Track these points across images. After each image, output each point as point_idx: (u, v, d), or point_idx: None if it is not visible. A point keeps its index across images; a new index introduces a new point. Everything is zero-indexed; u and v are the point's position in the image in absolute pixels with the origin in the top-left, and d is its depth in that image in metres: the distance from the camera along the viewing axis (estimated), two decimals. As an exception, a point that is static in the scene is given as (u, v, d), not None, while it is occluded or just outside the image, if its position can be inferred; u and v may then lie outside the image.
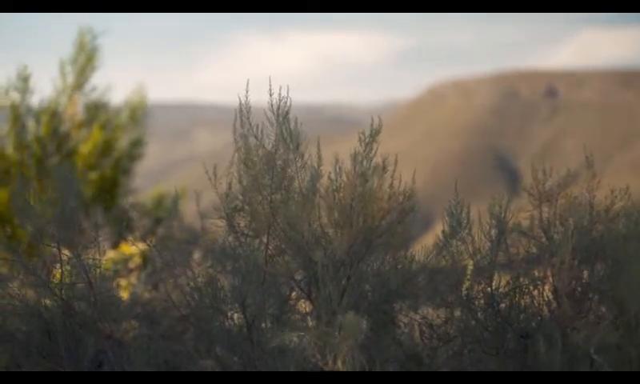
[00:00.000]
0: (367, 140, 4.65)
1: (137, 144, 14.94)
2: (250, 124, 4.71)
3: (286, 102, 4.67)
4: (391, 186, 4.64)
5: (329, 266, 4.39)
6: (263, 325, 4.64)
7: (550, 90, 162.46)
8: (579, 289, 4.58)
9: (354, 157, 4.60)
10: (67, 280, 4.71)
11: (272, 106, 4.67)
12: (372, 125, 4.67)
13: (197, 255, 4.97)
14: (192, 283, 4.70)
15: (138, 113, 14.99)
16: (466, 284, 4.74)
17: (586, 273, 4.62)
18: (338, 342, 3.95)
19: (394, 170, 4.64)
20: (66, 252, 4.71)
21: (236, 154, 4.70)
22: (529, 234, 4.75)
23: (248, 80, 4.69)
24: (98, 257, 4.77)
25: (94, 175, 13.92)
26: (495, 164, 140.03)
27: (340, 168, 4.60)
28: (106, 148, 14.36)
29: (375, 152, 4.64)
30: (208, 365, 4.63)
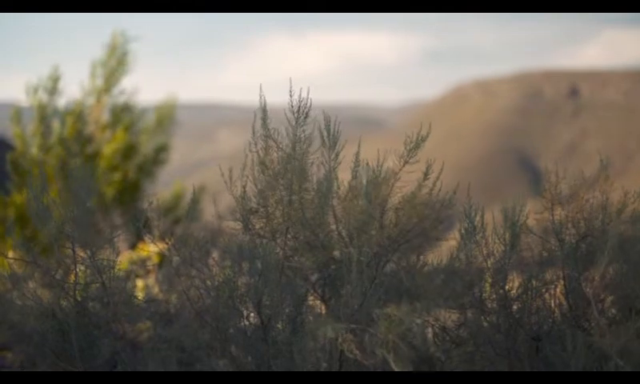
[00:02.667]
0: (412, 145, 4.69)
1: (162, 149, 14.97)
2: (268, 126, 4.73)
3: (306, 104, 4.69)
4: (430, 192, 4.68)
5: (355, 264, 4.40)
6: (279, 325, 4.67)
7: (573, 90, 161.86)
8: (591, 291, 4.58)
9: (398, 159, 4.65)
10: (82, 281, 4.75)
11: (292, 106, 4.69)
12: (420, 133, 4.71)
13: (215, 255, 5.00)
14: (208, 282, 4.72)
15: (166, 120, 15.03)
16: (485, 286, 4.75)
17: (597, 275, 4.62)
18: (383, 334, 3.95)
19: (438, 177, 4.68)
20: (81, 252, 4.75)
21: (252, 156, 4.72)
22: (542, 237, 4.75)
23: (261, 83, 4.70)
24: (112, 257, 4.80)
25: (116, 176, 13.95)
26: (519, 164, 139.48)
27: (381, 169, 4.63)
28: (130, 150, 14.39)
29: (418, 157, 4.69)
30: (222, 364, 4.65)
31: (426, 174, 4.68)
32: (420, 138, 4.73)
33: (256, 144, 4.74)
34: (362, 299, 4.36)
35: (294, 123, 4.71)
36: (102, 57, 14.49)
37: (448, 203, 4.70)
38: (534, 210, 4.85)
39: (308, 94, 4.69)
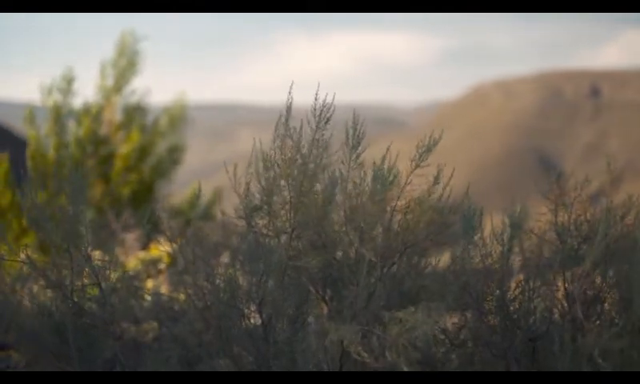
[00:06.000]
0: (423, 150, 4.69)
1: (175, 149, 15.02)
2: (289, 126, 4.74)
3: (328, 107, 4.70)
4: (440, 198, 4.68)
5: (364, 265, 4.41)
6: (280, 325, 4.68)
7: (594, 91, 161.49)
8: (590, 293, 4.59)
9: (410, 164, 4.66)
10: (79, 282, 4.77)
11: (315, 109, 4.69)
12: (432, 136, 4.70)
13: (224, 254, 5.01)
14: (211, 281, 4.74)
15: (178, 120, 15.07)
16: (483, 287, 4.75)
17: (598, 278, 4.63)
18: (394, 338, 3.97)
19: (448, 183, 4.68)
20: (78, 253, 4.76)
21: (261, 154, 4.74)
22: (542, 238, 4.75)
23: (290, 82, 4.69)
24: (111, 258, 4.82)
25: (132, 177, 14.01)
26: (539, 164, 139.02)
27: (393, 173, 4.63)
28: (145, 151, 14.45)
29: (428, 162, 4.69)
30: (223, 364, 4.67)
31: (436, 179, 4.68)
32: (432, 142, 4.71)
33: (274, 142, 4.74)
34: (368, 301, 4.37)
35: (314, 126, 4.71)
36: (112, 57, 14.56)
37: (456, 209, 4.70)
38: (538, 211, 4.85)
39: (334, 99, 4.70)
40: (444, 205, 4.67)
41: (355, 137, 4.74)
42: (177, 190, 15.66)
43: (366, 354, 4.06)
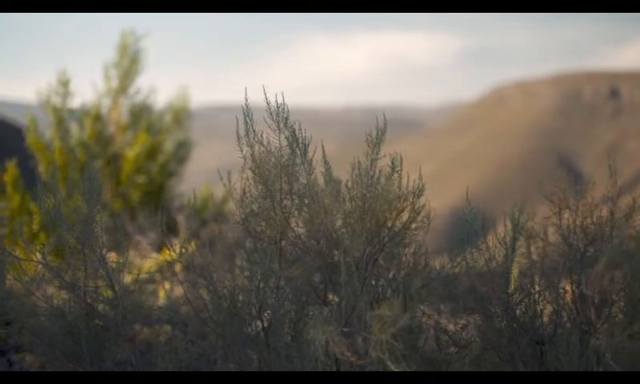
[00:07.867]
0: (374, 141, 4.70)
1: (182, 146, 14.96)
2: (254, 131, 4.74)
3: (284, 108, 4.67)
4: (399, 185, 4.68)
5: (345, 267, 4.42)
6: (280, 330, 4.69)
7: (613, 91, 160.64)
8: (598, 295, 4.59)
9: (365, 157, 4.66)
10: (92, 284, 4.80)
11: (270, 112, 4.67)
12: (377, 127, 4.72)
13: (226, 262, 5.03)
14: (211, 290, 4.77)
15: (182, 115, 15.01)
16: (511, 288, 4.76)
17: (605, 279, 4.63)
18: (376, 332, 3.97)
19: (401, 171, 4.67)
20: (92, 255, 4.79)
21: (246, 161, 4.74)
22: (546, 241, 4.76)
23: (245, 86, 4.68)
24: (124, 261, 4.85)
25: (141, 179, 13.98)
26: (558, 165, 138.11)
27: (357, 168, 4.63)
28: (152, 151, 14.41)
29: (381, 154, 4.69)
30: (227, 368, 4.69)
31: (393, 168, 4.68)
32: (380, 133, 4.72)
33: (241, 149, 4.75)
34: (355, 301, 4.37)
35: (275, 128, 4.70)
36: (114, 58, 14.52)
37: (419, 192, 4.70)
38: (543, 213, 4.85)
39: (284, 99, 4.67)
40: (406, 191, 4.67)
41: (302, 144, 4.73)
42: (184, 193, 15.57)
43: (349, 354, 4.07)
